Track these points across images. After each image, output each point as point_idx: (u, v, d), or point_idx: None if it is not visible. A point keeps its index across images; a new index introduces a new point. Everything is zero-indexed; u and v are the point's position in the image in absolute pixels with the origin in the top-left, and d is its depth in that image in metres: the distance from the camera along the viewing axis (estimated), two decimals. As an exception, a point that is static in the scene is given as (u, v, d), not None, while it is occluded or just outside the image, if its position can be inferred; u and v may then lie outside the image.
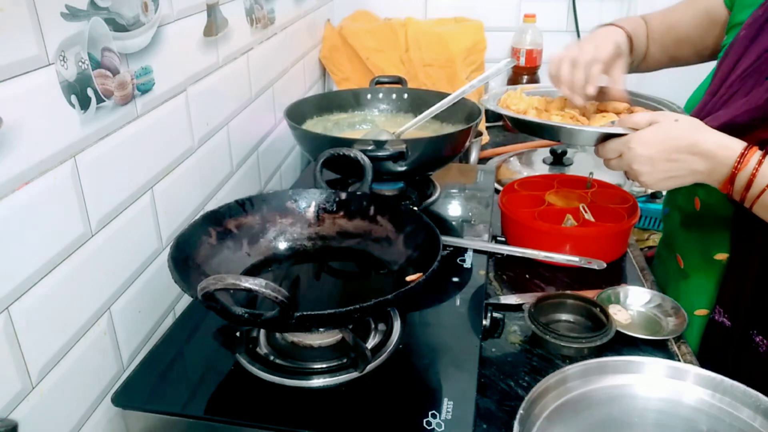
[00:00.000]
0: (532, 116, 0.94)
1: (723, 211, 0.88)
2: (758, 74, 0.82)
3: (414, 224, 0.82)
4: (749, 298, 0.87)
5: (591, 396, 0.72)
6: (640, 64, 1.08)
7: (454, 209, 1.14)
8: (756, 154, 0.75)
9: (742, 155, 0.75)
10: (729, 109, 0.83)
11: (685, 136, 0.77)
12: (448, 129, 1.20)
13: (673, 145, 0.77)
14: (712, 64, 0.96)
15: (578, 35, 1.84)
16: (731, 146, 0.76)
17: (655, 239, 1.45)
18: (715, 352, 0.91)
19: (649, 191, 1.41)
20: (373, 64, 1.63)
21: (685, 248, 0.98)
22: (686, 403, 0.72)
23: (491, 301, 0.95)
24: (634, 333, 0.86)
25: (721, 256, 0.90)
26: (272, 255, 0.85)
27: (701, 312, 0.93)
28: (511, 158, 1.55)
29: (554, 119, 0.94)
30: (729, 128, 0.79)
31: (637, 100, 0.99)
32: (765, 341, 0.86)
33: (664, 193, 1.33)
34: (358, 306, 0.62)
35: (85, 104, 0.68)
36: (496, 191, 1.21)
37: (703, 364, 0.91)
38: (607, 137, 0.83)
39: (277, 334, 0.76)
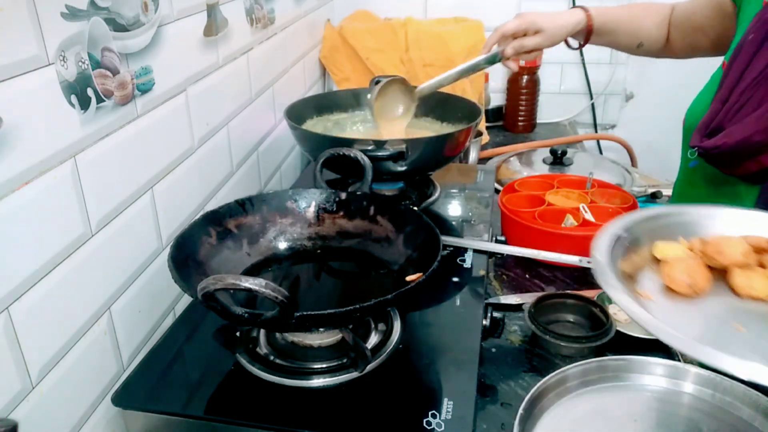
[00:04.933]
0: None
1: None
2: None
3: (414, 224, 0.82)
4: None
5: (591, 396, 0.72)
6: (658, 50, 1.12)
7: (454, 209, 1.14)
8: None
9: None
10: (743, 124, 0.78)
11: None
12: (448, 129, 1.19)
13: None
14: (715, 64, 0.95)
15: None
16: None
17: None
18: None
19: (650, 191, 1.41)
20: (373, 64, 1.63)
21: None
22: (686, 403, 0.71)
23: (491, 301, 0.95)
24: (634, 333, 0.86)
25: None
26: (272, 255, 0.85)
27: None
28: (511, 158, 1.55)
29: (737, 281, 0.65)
30: (744, 146, 0.77)
31: None
32: None
33: (667, 192, 1.33)
34: (358, 306, 0.62)
35: (85, 104, 0.68)
36: (496, 191, 1.21)
37: None
38: None
39: (277, 334, 0.76)
